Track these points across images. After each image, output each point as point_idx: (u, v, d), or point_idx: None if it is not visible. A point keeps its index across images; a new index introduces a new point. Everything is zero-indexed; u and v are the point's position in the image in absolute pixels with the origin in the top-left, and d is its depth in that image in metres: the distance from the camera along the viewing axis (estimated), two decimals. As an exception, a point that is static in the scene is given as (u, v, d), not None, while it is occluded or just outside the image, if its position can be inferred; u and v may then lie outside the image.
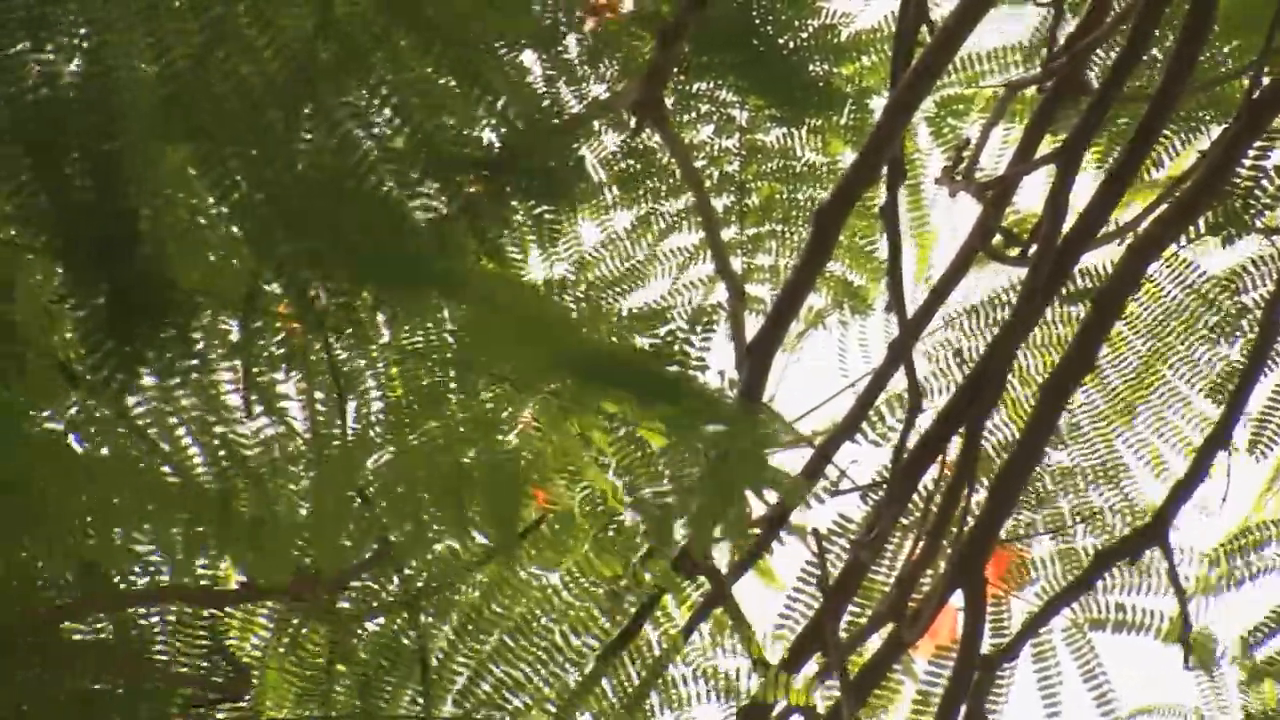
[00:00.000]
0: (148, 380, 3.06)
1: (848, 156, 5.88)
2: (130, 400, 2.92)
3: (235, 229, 2.55)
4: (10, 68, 2.47)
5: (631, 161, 5.72)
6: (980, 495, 5.01)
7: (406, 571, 4.45)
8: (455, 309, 2.94)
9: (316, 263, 2.54)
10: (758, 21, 5.78)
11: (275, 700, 4.45)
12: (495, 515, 3.39)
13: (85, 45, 2.52)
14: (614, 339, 4.00)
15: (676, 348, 3.76)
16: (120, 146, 2.41)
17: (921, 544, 4.98)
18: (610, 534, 4.64)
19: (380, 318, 3.25)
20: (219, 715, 4.38)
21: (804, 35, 5.79)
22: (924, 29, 5.25)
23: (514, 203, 4.14)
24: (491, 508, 3.38)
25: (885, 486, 5.06)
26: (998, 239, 5.33)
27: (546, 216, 4.83)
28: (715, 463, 2.84)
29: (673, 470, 3.41)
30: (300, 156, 2.63)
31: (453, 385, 3.45)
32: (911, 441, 5.07)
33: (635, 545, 4.67)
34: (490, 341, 2.94)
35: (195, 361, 2.37)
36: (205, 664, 4.38)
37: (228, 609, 4.42)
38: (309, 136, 2.66)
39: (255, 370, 3.09)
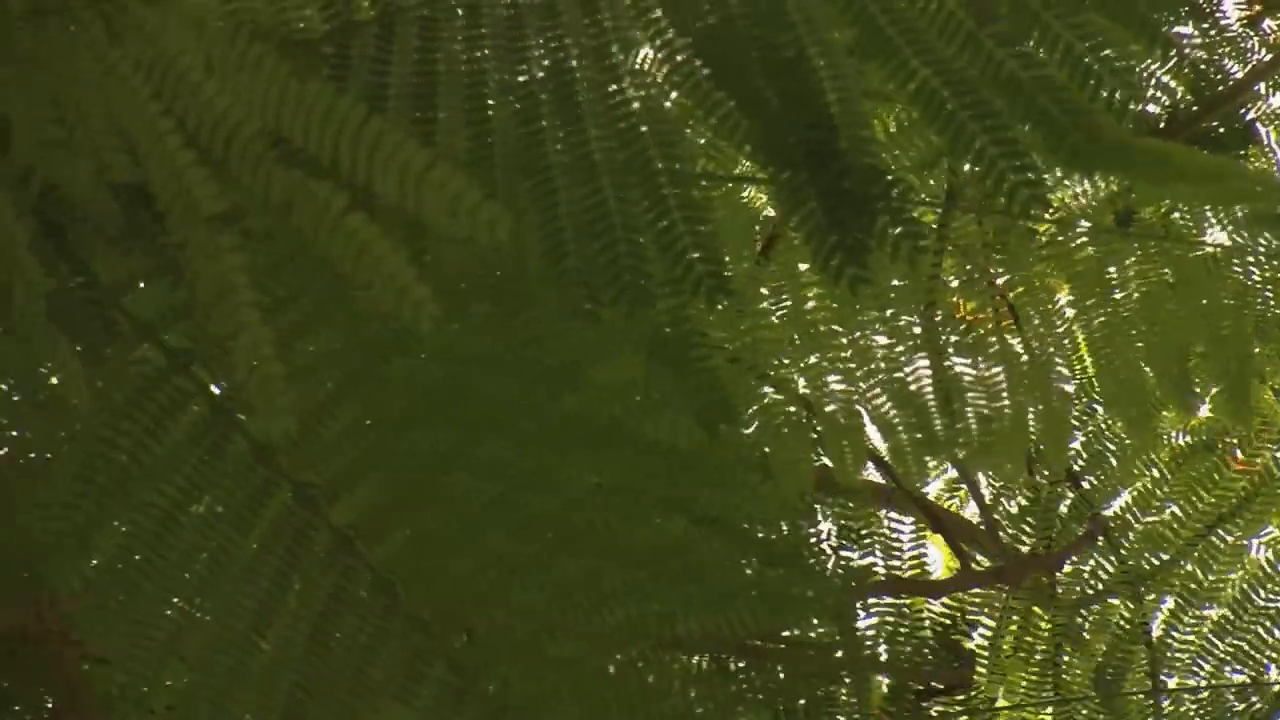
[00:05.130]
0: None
1: None
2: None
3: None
4: (685, 2, 2.51)
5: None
6: None
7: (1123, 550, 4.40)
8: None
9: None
10: None
11: (1005, 687, 4.39)
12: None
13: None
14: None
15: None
16: (795, 54, 2.43)
17: None
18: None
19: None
20: (943, 707, 4.34)
21: None
22: None
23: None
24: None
25: None
26: None
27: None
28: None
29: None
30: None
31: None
32: None
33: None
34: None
35: (918, 243, 2.36)
36: (929, 655, 4.35)
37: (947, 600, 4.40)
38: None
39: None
